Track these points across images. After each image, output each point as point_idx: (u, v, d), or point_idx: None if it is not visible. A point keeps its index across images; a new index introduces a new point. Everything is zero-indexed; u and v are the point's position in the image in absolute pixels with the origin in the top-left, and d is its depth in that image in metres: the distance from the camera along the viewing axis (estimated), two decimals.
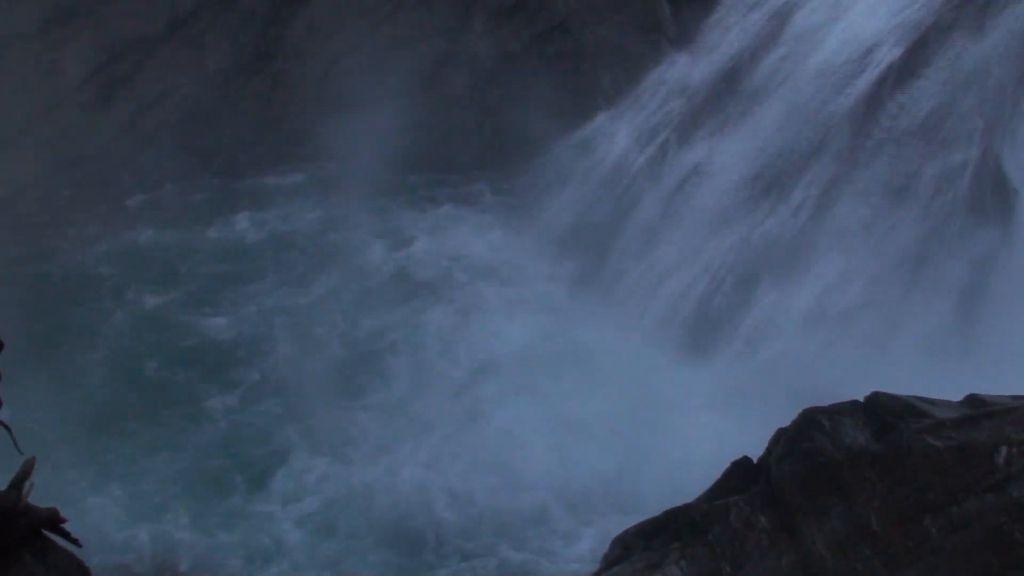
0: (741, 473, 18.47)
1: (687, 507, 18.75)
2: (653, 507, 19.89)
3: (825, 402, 17.34)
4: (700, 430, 25.27)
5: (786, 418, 17.78)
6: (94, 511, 25.19)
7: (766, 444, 18.09)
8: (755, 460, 18.41)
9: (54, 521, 10.83)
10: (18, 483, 10.45)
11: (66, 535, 11.05)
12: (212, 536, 25.39)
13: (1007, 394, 15.90)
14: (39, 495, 10.82)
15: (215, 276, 33.64)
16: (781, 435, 17.72)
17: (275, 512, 26.00)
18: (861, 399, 17.03)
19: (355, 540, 25.43)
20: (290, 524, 25.70)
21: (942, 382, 18.23)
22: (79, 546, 11.24)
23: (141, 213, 35.63)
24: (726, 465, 18.97)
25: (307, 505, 26.21)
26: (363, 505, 26.00)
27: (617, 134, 32.16)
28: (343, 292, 32.64)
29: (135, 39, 36.88)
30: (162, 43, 37.12)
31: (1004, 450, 14.63)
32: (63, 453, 26.37)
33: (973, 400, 16.02)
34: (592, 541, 22.73)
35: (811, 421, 17.23)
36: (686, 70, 31.77)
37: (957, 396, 16.39)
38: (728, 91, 30.01)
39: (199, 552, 24.90)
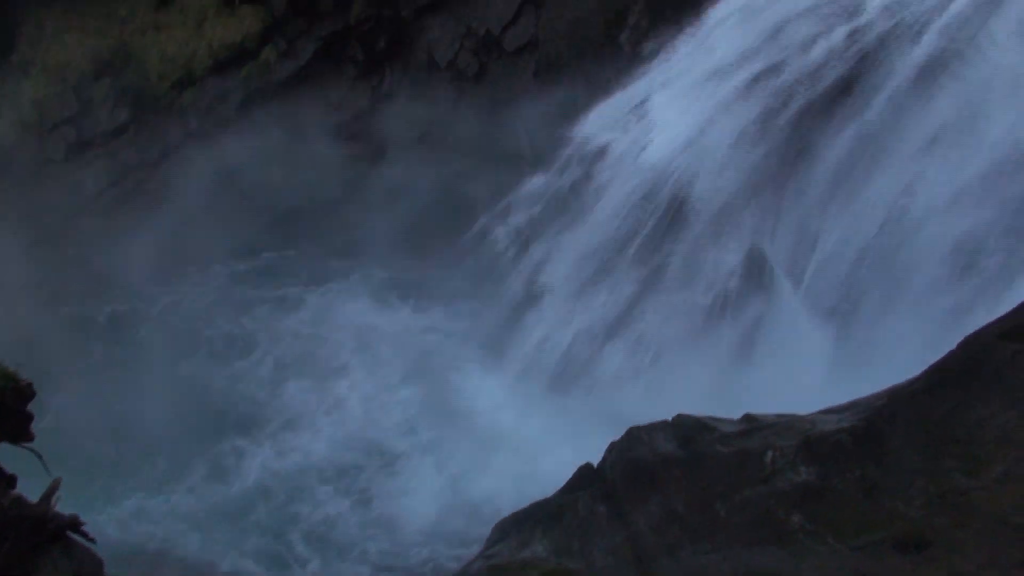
0: (585, 475, 18.58)
1: (547, 500, 18.74)
2: (524, 501, 19.80)
3: (644, 422, 17.59)
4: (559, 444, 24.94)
5: (617, 434, 17.97)
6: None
7: (603, 453, 18.25)
8: (595, 465, 18.55)
9: (75, 525, 10.70)
10: (47, 497, 10.36)
11: (84, 535, 10.91)
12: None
13: (772, 413, 16.27)
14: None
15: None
16: (613, 446, 17.90)
17: None
18: (670, 419, 17.32)
19: None
20: None
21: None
22: (94, 543, 11.07)
23: None
24: (574, 470, 19.06)
25: None
26: None
27: (493, 233, 32.23)
28: None
29: (137, 164, 36.35)
30: (154, 168, 36.46)
31: (770, 453, 14.97)
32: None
33: (748, 418, 16.38)
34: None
35: (634, 436, 17.44)
36: (542, 186, 31.92)
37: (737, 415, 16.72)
38: (572, 199, 30.16)
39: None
